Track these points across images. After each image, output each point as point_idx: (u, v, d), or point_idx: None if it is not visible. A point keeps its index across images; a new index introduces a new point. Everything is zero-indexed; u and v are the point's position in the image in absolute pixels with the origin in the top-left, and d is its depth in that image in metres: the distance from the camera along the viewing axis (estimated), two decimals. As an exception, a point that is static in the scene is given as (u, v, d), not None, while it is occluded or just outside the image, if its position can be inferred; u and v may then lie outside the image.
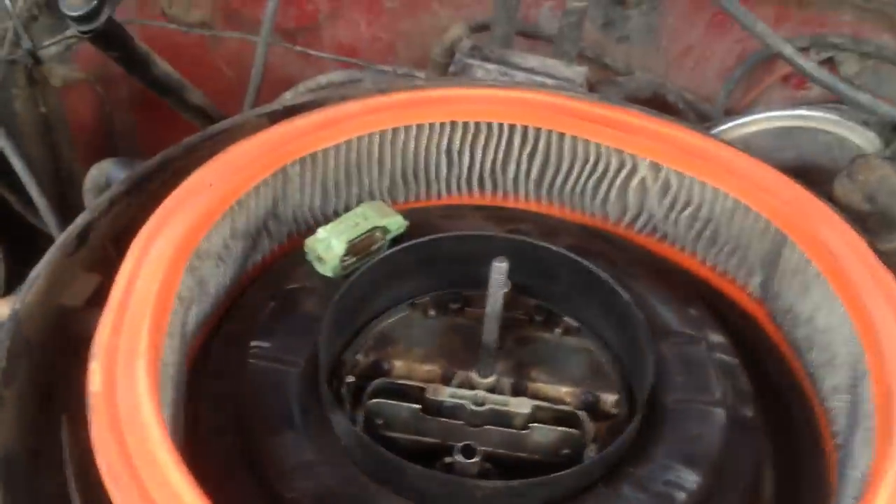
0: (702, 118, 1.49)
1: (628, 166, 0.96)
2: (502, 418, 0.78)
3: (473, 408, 0.78)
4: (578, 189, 1.00)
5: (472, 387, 0.81)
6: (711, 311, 0.90)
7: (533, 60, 1.26)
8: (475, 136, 0.98)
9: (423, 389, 0.78)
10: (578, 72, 1.25)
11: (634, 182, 0.96)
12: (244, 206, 0.86)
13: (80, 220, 0.85)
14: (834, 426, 0.80)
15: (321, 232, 0.88)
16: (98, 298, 0.77)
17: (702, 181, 0.92)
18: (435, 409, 0.78)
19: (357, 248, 0.88)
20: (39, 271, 0.80)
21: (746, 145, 0.99)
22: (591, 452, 0.77)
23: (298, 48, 1.54)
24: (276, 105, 1.03)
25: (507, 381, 0.83)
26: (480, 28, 1.46)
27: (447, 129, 0.97)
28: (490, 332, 0.79)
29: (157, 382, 0.67)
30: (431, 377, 0.83)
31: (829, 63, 1.41)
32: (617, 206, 0.99)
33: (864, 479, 0.68)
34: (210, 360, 0.81)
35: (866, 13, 1.42)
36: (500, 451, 0.77)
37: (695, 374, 0.82)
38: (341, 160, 0.94)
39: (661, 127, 0.96)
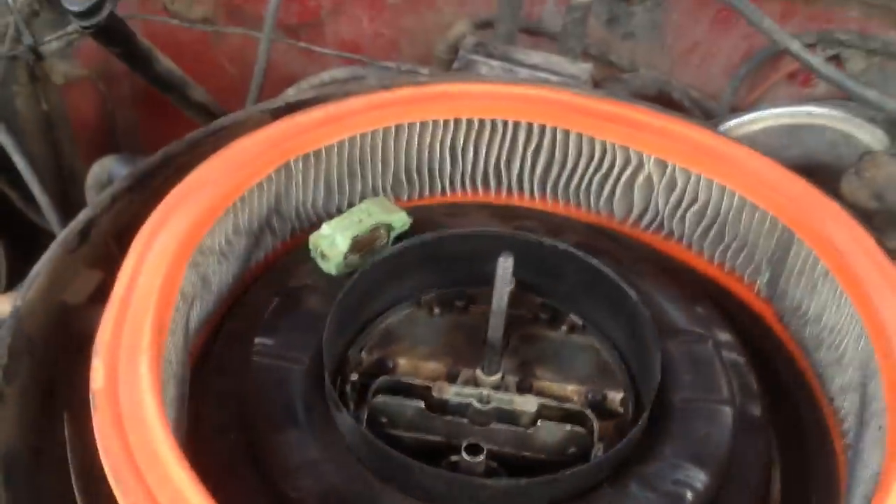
0: (707, 115, 1.48)
1: (634, 163, 0.95)
2: (508, 416, 0.77)
3: (479, 406, 0.77)
4: (584, 186, 0.99)
5: (477, 385, 0.80)
6: (718, 309, 0.89)
7: (537, 57, 1.26)
8: (479, 133, 0.98)
9: (427, 387, 0.78)
10: (583, 68, 1.25)
11: (640, 179, 0.96)
12: (247, 203, 0.85)
13: (82, 217, 0.85)
14: (843, 425, 0.80)
15: (325, 228, 0.87)
16: (100, 295, 0.76)
17: (709, 178, 0.92)
18: (440, 407, 0.77)
19: (361, 245, 0.87)
20: (41, 268, 0.80)
21: (752, 143, 0.98)
22: (597, 451, 0.76)
23: (302, 44, 1.53)
24: (279, 101, 1.02)
25: (512, 380, 0.82)
26: (484, 25, 1.46)
27: (451, 126, 0.96)
28: (496, 328, 0.78)
29: (159, 379, 0.67)
30: (436, 375, 0.83)
31: (836, 60, 1.40)
32: (623, 204, 0.99)
33: (875, 478, 0.67)
34: (213, 358, 0.81)
35: (873, 9, 1.41)
36: (506, 449, 0.76)
37: (702, 372, 0.81)
38: (345, 157, 0.93)
39: (668, 124, 0.95)
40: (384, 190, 0.98)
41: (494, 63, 1.24)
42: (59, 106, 1.48)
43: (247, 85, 1.41)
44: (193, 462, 0.62)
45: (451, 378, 0.82)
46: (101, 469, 0.62)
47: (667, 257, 0.97)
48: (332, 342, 0.78)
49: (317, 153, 0.91)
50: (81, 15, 1.03)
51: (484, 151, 0.99)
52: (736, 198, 0.91)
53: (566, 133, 0.96)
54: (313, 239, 0.88)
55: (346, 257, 0.86)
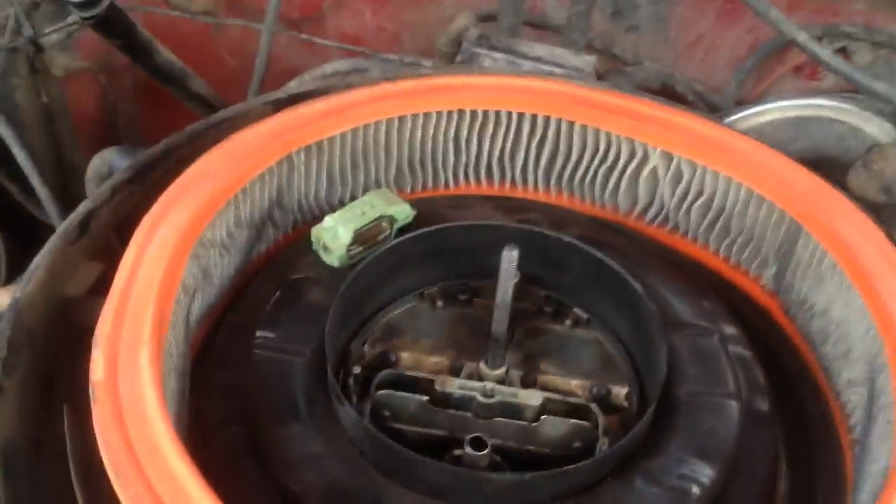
0: (711, 109, 1.47)
1: (639, 155, 0.94)
2: (512, 410, 0.76)
3: (482, 399, 0.76)
4: (588, 179, 0.98)
5: (481, 378, 0.80)
6: (724, 302, 0.89)
7: (541, 50, 1.25)
8: (483, 125, 0.97)
9: (431, 381, 0.77)
10: (587, 61, 1.24)
11: (646, 171, 0.95)
12: (249, 195, 0.85)
13: (82, 208, 0.84)
14: (850, 420, 0.79)
15: (328, 220, 0.86)
16: (100, 287, 0.76)
17: (715, 171, 0.91)
18: (443, 400, 0.76)
19: (364, 238, 0.87)
20: (41, 260, 0.79)
21: (759, 135, 0.97)
22: (602, 445, 0.76)
23: (304, 36, 1.53)
24: (280, 93, 1.01)
25: (516, 373, 0.81)
26: (487, 18, 1.45)
27: (454, 118, 0.96)
28: (500, 321, 0.77)
29: (160, 372, 0.66)
30: (439, 368, 0.82)
31: (842, 53, 1.39)
32: (628, 197, 0.98)
33: (884, 473, 0.66)
34: (215, 351, 0.80)
35: (879, 2, 1.40)
36: (510, 443, 0.75)
37: (708, 366, 0.80)
38: (347, 148, 0.92)
39: (674, 116, 0.94)
40: (387, 182, 0.97)
41: (498, 55, 1.23)
42: (60, 98, 1.47)
43: (247, 78, 1.40)
44: (194, 455, 0.61)
45: (455, 372, 0.81)
46: (101, 462, 0.61)
47: (672, 250, 0.97)
48: (335, 335, 0.78)
49: (319, 145, 0.90)
50: (82, 6, 1.03)
51: (488, 143, 0.98)
52: (742, 190, 0.90)
53: (570, 125, 0.95)
54: (315, 231, 0.87)
55: (348, 250, 0.85)
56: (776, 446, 0.78)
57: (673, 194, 0.95)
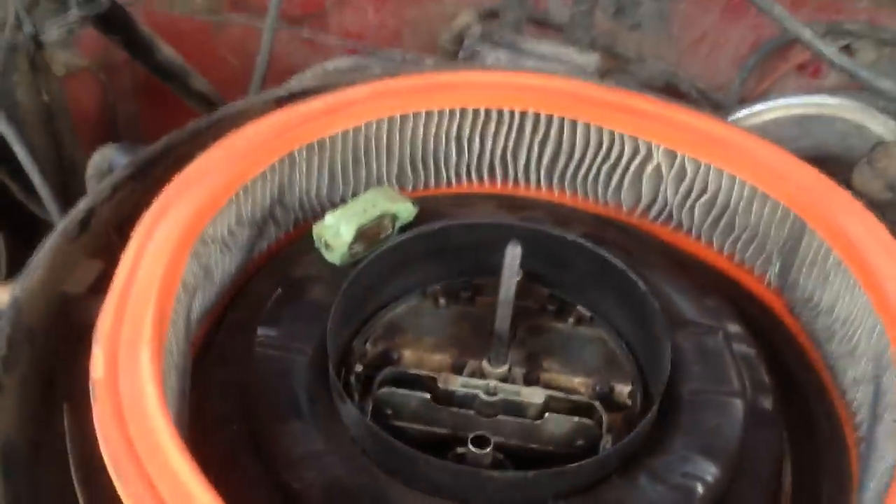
0: (715, 107, 1.47)
1: (643, 153, 0.94)
2: (515, 408, 0.76)
3: (485, 397, 0.76)
4: (591, 176, 0.98)
5: (483, 376, 0.79)
6: (728, 300, 0.88)
7: (544, 47, 1.24)
8: (485, 123, 0.96)
9: (433, 378, 0.77)
10: (590, 59, 1.23)
11: (649, 169, 0.94)
12: (250, 193, 0.84)
13: (83, 206, 0.84)
14: (855, 418, 0.78)
15: (329, 218, 0.86)
16: (100, 285, 0.75)
17: (718, 168, 0.90)
18: (446, 398, 0.76)
19: (366, 235, 0.86)
20: (41, 257, 0.79)
21: (763, 133, 0.97)
22: (606, 443, 0.75)
23: (306, 33, 1.52)
24: (282, 90, 1.01)
25: (519, 371, 0.81)
26: (489, 15, 1.44)
27: (457, 116, 0.95)
28: (503, 319, 0.77)
29: (160, 369, 0.66)
30: (442, 366, 0.81)
31: (846, 50, 1.39)
32: (631, 194, 0.97)
33: (890, 471, 0.66)
34: (216, 348, 0.80)
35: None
36: (513, 441, 0.75)
37: (712, 364, 0.80)
38: (349, 146, 0.92)
39: (677, 113, 0.94)
40: (389, 180, 0.96)
41: (501, 53, 1.23)
42: (60, 96, 1.47)
43: (248, 76, 1.40)
44: (195, 453, 0.61)
45: (458, 369, 0.81)
46: (101, 460, 0.61)
47: (676, 248, 0.96)
48: (337, 333, 0.77)
49: (321, 142, 0.89)
50: (82, 2, 1.02)
51: (490, 141, 0.98)
52: (746, 188, 0.89)
53: (573, 123, 0.94)
54: (317, 229, 0.86)
55: (350, 247, 0.85)
56: (781, 444, 0.78)
57: (676, 192, 0.94)
